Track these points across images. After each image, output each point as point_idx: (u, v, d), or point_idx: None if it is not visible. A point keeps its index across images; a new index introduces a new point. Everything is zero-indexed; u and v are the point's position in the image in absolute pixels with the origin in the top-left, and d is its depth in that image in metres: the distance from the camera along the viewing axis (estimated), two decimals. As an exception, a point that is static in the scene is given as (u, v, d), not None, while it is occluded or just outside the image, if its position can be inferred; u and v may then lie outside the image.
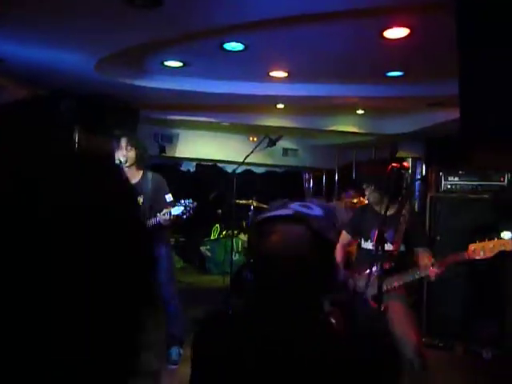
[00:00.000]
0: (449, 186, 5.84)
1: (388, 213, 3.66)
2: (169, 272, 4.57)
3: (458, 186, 5.81)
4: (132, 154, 4.44)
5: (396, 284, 3.76)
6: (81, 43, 4.53)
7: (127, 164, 4.42)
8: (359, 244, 4.24)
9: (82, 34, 4.30)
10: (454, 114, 5.41)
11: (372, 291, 3.65)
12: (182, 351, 4.59)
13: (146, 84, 5.87)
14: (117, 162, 4.43)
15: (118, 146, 4.45)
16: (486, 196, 5.52)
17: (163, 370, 4.41)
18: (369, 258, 3.91)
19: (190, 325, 4.73)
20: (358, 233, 4.24)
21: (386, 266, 3.67)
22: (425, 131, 7.36)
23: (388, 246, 3.81)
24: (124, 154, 4.41)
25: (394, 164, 3.52)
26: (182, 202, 4.26)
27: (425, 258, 3.77)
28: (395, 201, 3.92)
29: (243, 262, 7.81)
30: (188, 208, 4.23)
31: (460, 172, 5.85)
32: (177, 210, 4.21)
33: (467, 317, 5.42)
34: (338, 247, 4.21)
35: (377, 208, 4.03)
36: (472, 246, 3.50)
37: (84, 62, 5.03)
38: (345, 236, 4.37)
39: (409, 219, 3.89)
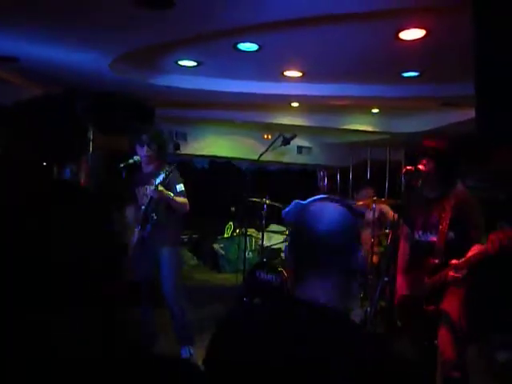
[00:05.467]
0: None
1: (432, 195, 3.40)
2: (171, 276, 4.45)
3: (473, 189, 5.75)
4: (153, 150, 4.42)
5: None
6: (95, 43, 4.54)
7: (148, 160, 4.42)
8: (411, 235, 3.61)
9: (96, 34, 4.31)
10: (469, 114, 5.37)
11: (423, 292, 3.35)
12: (192, 350, 4.59)
13: (160, 83, 5.88)
14: (137, 158, 4.42)
15: (140, 143, 4.43)
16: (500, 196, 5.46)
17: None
18: (416, 251, 3.52)
19: (202, 323, 4.74)
20: (411, 221, 3.62)
21: (431, 261, 3.32)
22: (440, 131, 7.30)
23: (430, 236, 3.43)
24: (146, 152, 4.40)
25: (408, 167, 3.45)
26: (165, 169, 4.21)
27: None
28: (447, 180, 3.42)
29: (256, 260, 7.80)
30: (167, 172, 4.17)
31: (474, 172, 5.80)
32: (160, 178, 4.13)
33: (481, 317, 5.37)
34: (401, 243, 3.73)
35: (424, 191, 3.51)
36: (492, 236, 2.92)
37: (99, 61, 5.04)
38: (404, 227, 3.73)
39: (454, 202, 3.33)
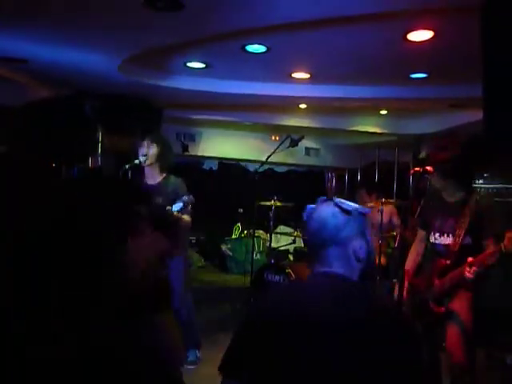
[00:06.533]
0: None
1: (452, 199, 3.42)
2: (178, 280, 4.40)
3: (482, 189, 5.73)
4: (153, 151, 4.41)
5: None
6: (104, 44, 4.56)
7: (148, 162, 4.40)
8: (427, 238, 3.67)
9: (105, 36, 4.33)
10: (477, 115, 5.35)
11: (433, 293, 3.38)
12: (199, 354, 4.59)
13: (168, 84, 5.89)
14: (138, 160, 4.40)
15: (141, 144, 4.44)
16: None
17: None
18: (431, 254, 3.57)
19: (210, 325, 4.74)
20: (427, 224, 3.66)
21: (442, 262, 3.36)
22: (448, 132, 7.27)
23: (446, 239, 3.43)
24: (144, 152, 4.39)
25: (416, 168, 3.44)
26: (183, 198, 4.17)
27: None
28: (462, 187, 3.47)
29: (264, 261, 7.81)
30: (185, 203, 4.13)
31: (485, 174, 5.77)
32: (177, 206, 4.08)
33: (490, 320, 5.33)
34: (413, 246, 3.80)
35: (443, 194, 3.55)
36: (510, 233, 2.98)
37: (107, 62, 5.06)
38: (420, 231, 3.78)
39: (475, 208, 3.33)
